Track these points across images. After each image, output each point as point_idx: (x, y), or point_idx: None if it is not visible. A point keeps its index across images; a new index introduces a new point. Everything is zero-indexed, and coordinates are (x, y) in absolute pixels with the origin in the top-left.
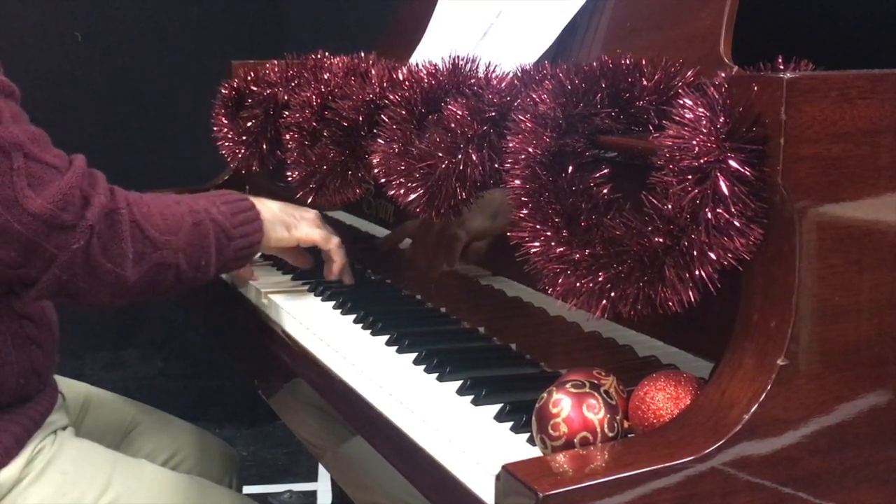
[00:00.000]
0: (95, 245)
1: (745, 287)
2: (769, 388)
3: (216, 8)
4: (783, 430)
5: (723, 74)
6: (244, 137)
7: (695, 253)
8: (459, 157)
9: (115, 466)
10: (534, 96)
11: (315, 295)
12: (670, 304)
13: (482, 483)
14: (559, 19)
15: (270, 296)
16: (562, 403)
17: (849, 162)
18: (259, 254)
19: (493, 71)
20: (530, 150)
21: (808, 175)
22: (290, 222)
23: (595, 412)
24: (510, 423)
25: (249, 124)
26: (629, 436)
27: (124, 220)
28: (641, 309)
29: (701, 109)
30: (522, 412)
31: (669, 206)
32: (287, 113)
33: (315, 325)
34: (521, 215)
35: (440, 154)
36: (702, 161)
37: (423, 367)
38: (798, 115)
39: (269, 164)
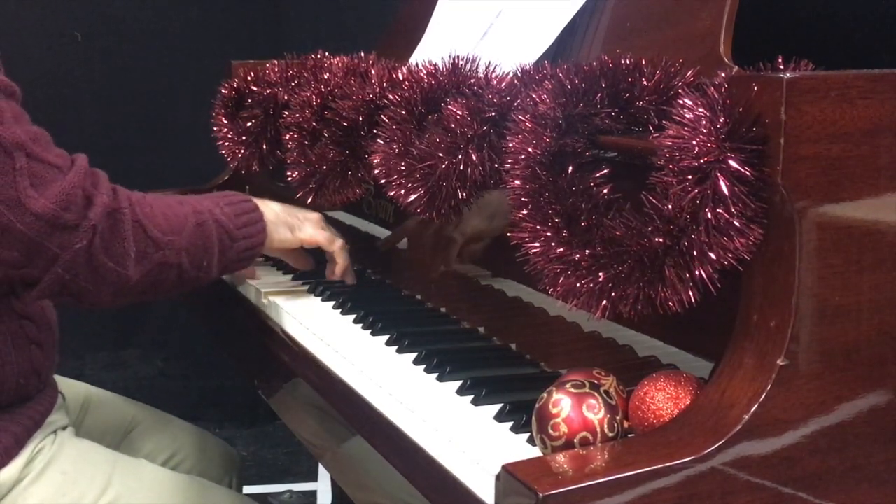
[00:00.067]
0: (98, 244)
1: (745, 287)
2: (769, 388)
3: (216, 8)
4: (783, 430)
5: (723, 74)
6: (244, 137)
7: (695, 253)
8: (459, 157)
9: (115, 466)
10: (534, 96)
11: (315, 295)
12: (670, 304)
13: (482, 483)
14: (559, 19)
15: (270, 296)
16: (562, 403)
17: (849, 162)
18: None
19: (493, 71)
20: (530, 150)
21: (808, 175)
22: (293, 223)
23: (595, 412)
24: (510, 423)
25: (249, 124)
26: (629, 436)
27: (127, 219)
28: (642, 309)
29: (701, 109)
30: (522, 412)
31: (669, 206)
32: (287, 113)
33: (315, 325)
34: (522, 216)
35: (440, 154)
36: (702, 161)
37: (423, 367)
38: (798, 115)
39: (269, 164)
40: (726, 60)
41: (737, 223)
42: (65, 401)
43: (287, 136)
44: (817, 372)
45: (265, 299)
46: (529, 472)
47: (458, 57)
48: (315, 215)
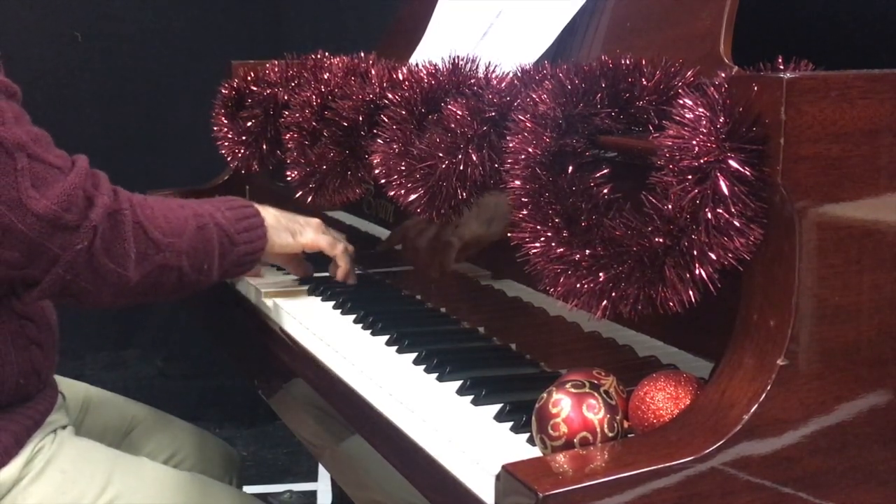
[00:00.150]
0: (98, 245)
1: (745, 287)
2: (769, 388)
3: (216, 8)
4: (783, 430)
5: (723, 74)
6: (244, 137)
7: (695, 253)
8: (459, 157)
9: (115, 465)
10: (534, 96)
11: (315, 295)
12: (670, 304)
13: (482, 483)
14: (559, 19)
15: (270, 296)
16: (562, 403)
17: (849, 162)
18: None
19: (493, 71)
20: (530, 150)
21: (808, 175)
22: (294, 229)
23: (595, 412)
24: (510, 423)
25: (249, 124)
26: (629, 436)
27: (127, 220)
28: (642, 309)
29: (701, 109)
30: (522, 412)
31: (669, 206)
32: (287, 113)
33: (315, 325)
34: (522, 216)
35: (440, 154)
36: (702, 161)
37: (423, 367)
38: (798, 115)
39: (269, 164)
40: (726, 60)
41: (737, 223)
42: (65, 401)
43: (287, 136)
44: (817, 372)
45: (265, 299)
46: (529, 472)
47: (458, 57)
48: (315, 220)
